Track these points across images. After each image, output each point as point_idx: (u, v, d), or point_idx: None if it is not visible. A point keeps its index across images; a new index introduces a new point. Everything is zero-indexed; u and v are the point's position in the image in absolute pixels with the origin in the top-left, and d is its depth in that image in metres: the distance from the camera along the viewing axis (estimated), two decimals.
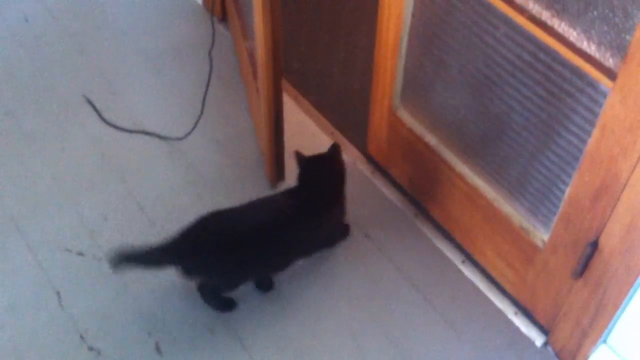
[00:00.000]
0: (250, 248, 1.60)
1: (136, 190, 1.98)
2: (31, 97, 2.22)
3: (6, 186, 1.98)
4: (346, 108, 2.19)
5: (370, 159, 2.06)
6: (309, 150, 2.06)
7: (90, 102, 2.20)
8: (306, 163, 1.74)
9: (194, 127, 2.11)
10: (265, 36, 1.62)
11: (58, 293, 1.77)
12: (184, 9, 2.51)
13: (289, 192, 1.75)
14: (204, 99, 2.14)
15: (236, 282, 1.72)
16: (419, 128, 1.82)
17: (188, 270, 1.65)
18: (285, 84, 2.26)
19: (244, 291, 1.75)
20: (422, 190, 1.92)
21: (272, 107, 1.78)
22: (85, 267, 1.82)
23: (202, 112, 2.13)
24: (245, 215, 1.67)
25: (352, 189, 1.98)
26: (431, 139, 1.80)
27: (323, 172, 1.74)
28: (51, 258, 1.83)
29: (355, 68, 2.29)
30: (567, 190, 1.45)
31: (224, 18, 2.43)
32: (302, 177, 1.74)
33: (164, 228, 1.89)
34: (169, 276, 1.80)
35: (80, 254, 1.84)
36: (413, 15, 1.64)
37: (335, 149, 1.75)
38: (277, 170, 1.97)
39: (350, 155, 2.08)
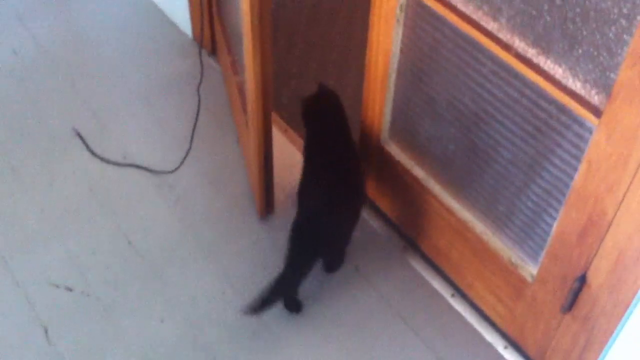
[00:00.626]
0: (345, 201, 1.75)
1: (125, 224, 1.98)
2: (20, 131, 2.22)
3: None
4: None
5: None
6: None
7: (79, 136, 2.20)
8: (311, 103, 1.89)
9: (183, 160, 2.11)
10: (255, 71, 1.63)
11: (45, 329, 1.75)
12: (174, 42, 2.53)
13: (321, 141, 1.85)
14: (193, 132, 2.15)
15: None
16: (407, 161, 1.83)
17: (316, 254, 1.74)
18: (275, 117, 2.27)
19: (232, 330, 1.75)
20: (411, 224, 1.92)
21: (262, 142, 1.79)
22: (73, 302, 1.81)
23: (190, 146, 2.13)
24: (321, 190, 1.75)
25: None
26: (419, 172, 1.81)
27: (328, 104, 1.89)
28: (39, 293, 1.82)
29: (345, 101, 2.31)
30: (555, 225, 1.46)
31: (214, 51, 2.44)
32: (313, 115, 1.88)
33: (152, 262, 1.89)
34: (157, 312, 1.79)
35: (69, 289, 1.83)
36: (401, 51, 1.66)
37: (322, 86, 1.90)
38: (267, 204, 1.97)
39: None
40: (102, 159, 2.14)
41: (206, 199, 2.05)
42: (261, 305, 1.68)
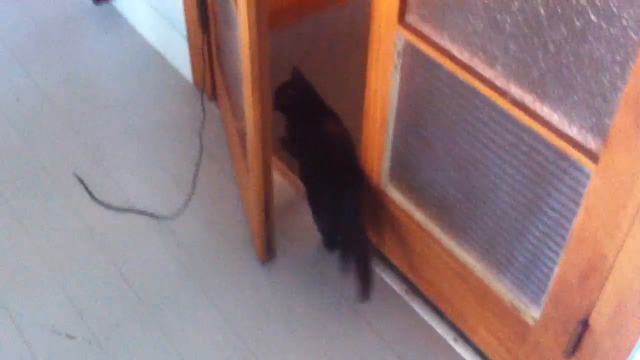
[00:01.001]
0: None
1: (126, 270, 1.97)
2: (22, 176, 2.23)
3: None
4: None
5: None
6: (299, 229, 2.08)
7: (81, 181, 2.21)
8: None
9: (185, 206, 2.12)
10: (255, 119, 1.65)
11: None
12: (175, 86, 2.55)
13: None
14: (195, 177, 2.16)
15: None
16: (407, 205, 1.84)
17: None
18: (276, 162, 2.28)
19: None
20: (412, 267, 1.92)
21: (262, 188, 1.80)
22: (75, 349, 1.80)
23: (193, 191, 2.14)
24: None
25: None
26: (420, 216, 1.82)
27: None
28: (40, 341, 1.81)
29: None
30: (556, 269, 1.46)
31: (214, 96, 2.47)
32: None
33: (153, 307, 1.88)
34: (159, 358, 1.78)
35: (70, 336, 1.82)
36: (399, 96, 1.68)
37: (296, 71, 2.06)
38: (268, 249, 1.97)
39: None
40: (104, 204, 2.15)
41: (208, 244, 2.05)
42: (365, 285, 1.80)
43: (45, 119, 2.43)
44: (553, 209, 1.42)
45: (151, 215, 2.11)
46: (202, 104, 2.25)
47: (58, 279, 1.95)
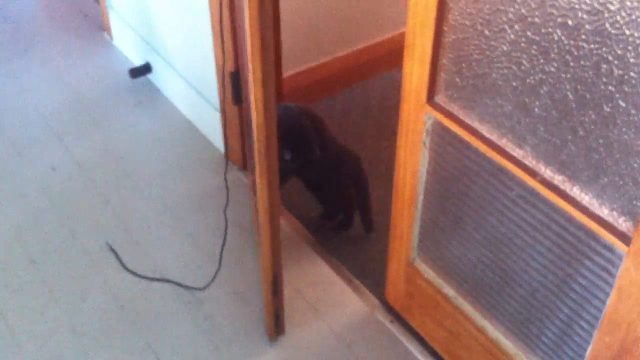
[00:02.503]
0: None
1: (154, 341, 1.98)
2: (54, 246, 2.27)
3: (24, 337, 1.99)
4: (364, 256, 2.22)
5: (388, 308, 2.06)
6: (324, 301, 2.08)
7: (113, 250, 2.24)
8: None
9: (213, 278, 2.13)
10: (262, 197, 1.66)
11: None
12: (207, 157, 2.61)
13: None
14: (222, 250, 2.18)
15: None
16: (437, 280, 1.84)
17: None
18: (303, 232, 2.31)
19: None
20: (442, 342, 1.91)
21: (270, 266, 1.81)
22: None
23: (220, 264, 2.16)
24: None
25: (370, 337, 1.98)
26: (449, 291, 1.81)
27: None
28: None
29: (374, 216, 2.34)
30: (589, 350, 1.44)
31: (245, 167, 2.51)
32: None
33: None
34: None
35: None
36: (428, 173, 1.70)
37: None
38: (276, 326, 1.97)
39: (368, 303, 2.08)
40: (134, 274, 2.17)
41: (232, 317, 2.05)
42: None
43: (79, 189, 2.48)
44: (585, 288, 1.41)
45: (181, 285, 2.13)
46: (225, 179, 2.27)
47: (87, 349, 1.96)
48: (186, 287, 2.13)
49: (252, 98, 1.52)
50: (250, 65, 1.46)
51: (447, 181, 1.66)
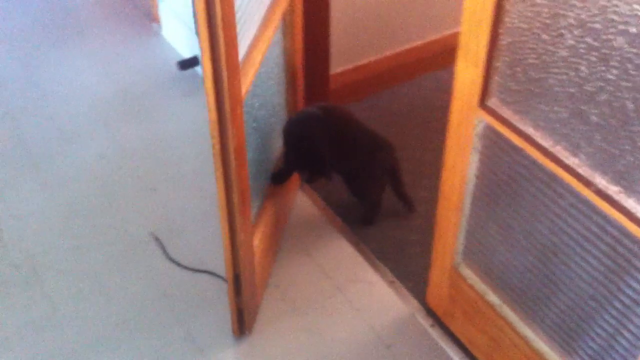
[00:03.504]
0: None
1: (194, 331, 2.00)
2: (100, 233, 2.30)
3: (67, 320, 2.02)
4: (406, 258, 2.20)
5: (429, 311, 2.05)
6: (364, 300, 2.07)
7: (157, 239, 2.27)
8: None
9: None
10: (220, 200, 1.70)
11: None
12: None
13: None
14: None
15: None
16: (481, 286, 1.81)
17: None
18: (345, 230, 2.30)
19: None
20: (482, 349, 1.88)
21: (231, 267, 1.82)
22: None
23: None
24: None
25: (410, 340, 1.97)
26: (493, 298, 1.79)
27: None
28: None
29: (415, 218, 2.33)
30: None
31: None
32: None
33: None
34: None
35: None
36: (477, 177, 1.68)
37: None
38: (239, 323, 1.97)
39: (409, 306, 2.07)
40: (177, 264, 2.19)
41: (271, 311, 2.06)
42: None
43: (126, 178, 2.51)
44: (633, 301, 1.38)
45: (221, 277, 2.14)
46: None
47: (128, 338, 1.98)
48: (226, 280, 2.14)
49: (206, 95, 1.54)
50: (202, 60, 1.48)
51: (497, 186, 1.63)
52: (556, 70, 1.37)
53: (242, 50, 1.64)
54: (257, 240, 1.96)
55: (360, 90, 2.77)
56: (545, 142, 1.44)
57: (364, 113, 2.76)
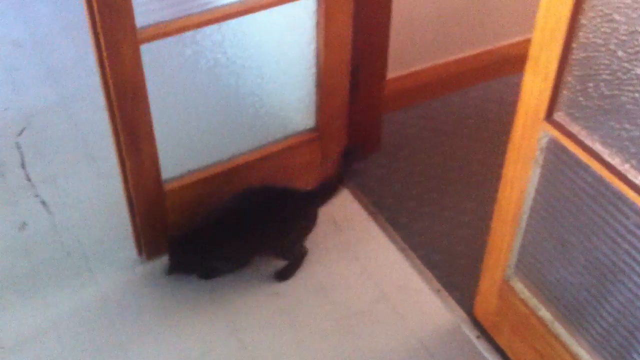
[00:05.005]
0: None
1: (240, 327, 2.01)
2: None
3: (116, 310, 2.05)
4: (453, 267, 2.19)
5: (475, 323, 2.03)
6: (409, 307, 2.06)
7: None
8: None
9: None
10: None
11: None
12: None
13: None
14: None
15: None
16: (532, 301, 1.80)
17: None
18: (393, 236, 2.29)
19: None
20: None
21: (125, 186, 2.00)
22: None
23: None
24: None
25: (454, 351, 1.96)
26: (545, 314, 1.77)
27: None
28: None
29: (463, 228, 2.32)
30: None
31: None
32: None
33: None
34: None
35: None
36: (537, 191, 1.66)
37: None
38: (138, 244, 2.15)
39: (455, 316, 2.05)
40: None
41: (310, 309, 2.07)
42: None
43: None
44: None
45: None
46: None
47: (172, 325, 2.00)
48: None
49: None
50: None
51: (558, 202, 1.62)
52: (630, 88, 1.35)
53: None
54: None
55: (411, 96, 2.77)
56: (613, 160, 1.43)
57: (413, 121, 2.76)
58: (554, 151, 1.58)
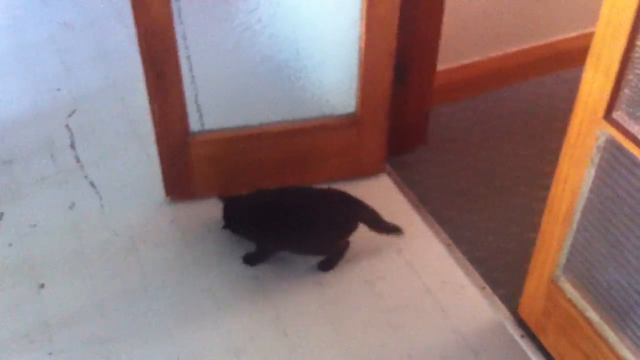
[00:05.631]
0: None
1: (284, 314, 2.01)
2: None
3: (159, 292, 2.07)
4: (498, 264, 2.16)
5: (520, 322, 2.00)
6: (453, 303, 2.04)
7: None
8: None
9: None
10: None
11: None
12: None
13: None
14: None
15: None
16: (581, 302, 1.76)
17: None
18: (438, 231, 2.27)
19: None
20: None
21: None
22: None
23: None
24: None
25: (498, 349, 1.94)
26: (593, 315, 1.73)
27: None
28: None
29: (510, 225, 2.28)
30: None
31: None
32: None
33: (303, 357, 1.91)
34: None
35: None
36: (591, 191, 1.63)
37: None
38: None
39: (499, 314, 2.03)
40: None
41: (354, 303, 2.06)
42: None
43: None
44: None
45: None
46: None
47: (220, 313, 2.02)
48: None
49: None
50: None
51: (613, 202, 1.58)
52: None
53: None
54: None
55: (460, 90, 2.73)
56: None
57: (462, 114, 2.73)
58: (612, 151, 1.54)
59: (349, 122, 2.31)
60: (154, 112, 2.11)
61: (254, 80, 2.14)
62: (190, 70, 2.04)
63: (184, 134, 2.18)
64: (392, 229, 2.14)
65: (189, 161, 2.23)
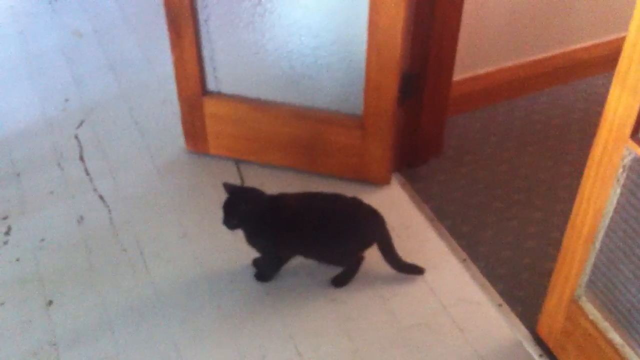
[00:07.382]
0: None
1: (296, 333, 1.97)
2: (208, 222, 2.30)
3: (171, 308, 2.03)
4: (516, 281, 2.12)
5: (538, 341, 1.96)
6: (469, 321, 2.00)
7: None
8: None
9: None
10: None
11: None
12: None
13: None
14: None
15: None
16: (602, 323, 1.71)
17: None
18: (454, 246, 2.23)
19: None
20: None
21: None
22: None
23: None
24: None
25: None
26: (615, 337, 1.68)
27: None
28: None
29: (527, 240, 2.24)
30: None
31: None
32: None
33: None
34: None
35: None
36: (615, 211, 1.58)
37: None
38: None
39: (517, 333, 1.98)
40: None
41: (365, 312, 2.02)
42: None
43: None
44: None
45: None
46: None
47: (231, 331, 1.98)
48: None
49: None
50: None
51: (638, 223, 1.53)
52: None
53: None
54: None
55: (477, 100, 2.69)
56: None
57: (478, 125, 2.69)
58: (638, 170, 1.49)
59: (355, 123, 2.32)
60: (176, 68, 2.35)
61: (267, 57, 2.28)
62: (208, 32, 2.26)
63: (201, 92, 2.38)
64: (406, 268, 2.11)
65: (203, 117, 2.44)
